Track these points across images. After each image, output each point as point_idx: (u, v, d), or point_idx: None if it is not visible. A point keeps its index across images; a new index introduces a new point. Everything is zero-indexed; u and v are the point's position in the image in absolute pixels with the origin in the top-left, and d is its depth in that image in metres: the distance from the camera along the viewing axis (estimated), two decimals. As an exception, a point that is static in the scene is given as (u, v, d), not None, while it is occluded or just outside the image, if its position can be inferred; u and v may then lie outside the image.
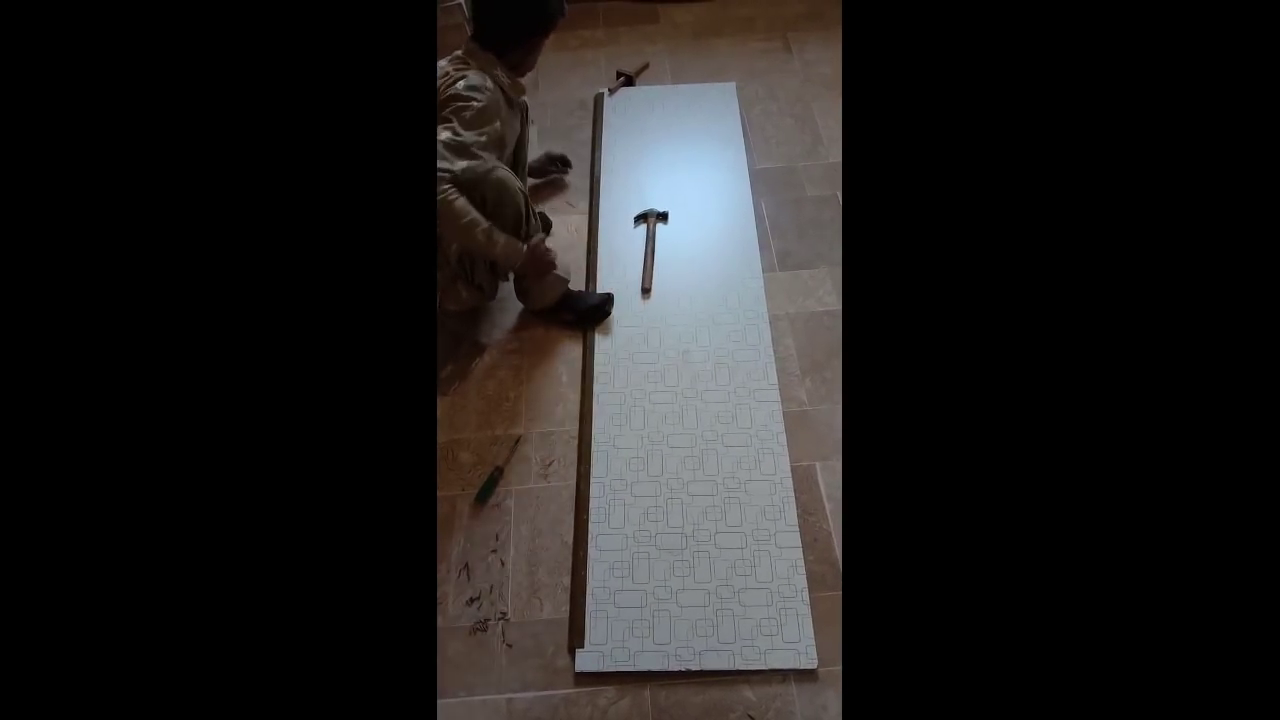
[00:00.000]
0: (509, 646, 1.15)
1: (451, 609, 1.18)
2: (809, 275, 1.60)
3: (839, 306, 1.54)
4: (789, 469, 1.30)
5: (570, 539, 1.25)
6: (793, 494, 1.27)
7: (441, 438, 1.39)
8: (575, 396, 1.44)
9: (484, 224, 1.29)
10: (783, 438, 1.34)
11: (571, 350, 1.50)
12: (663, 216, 1.70)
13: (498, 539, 1.25)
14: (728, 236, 1.67)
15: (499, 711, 1.09)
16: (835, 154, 1.86)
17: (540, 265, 1.42)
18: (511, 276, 1.49)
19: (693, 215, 1.71)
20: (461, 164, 1.25)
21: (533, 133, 1.95)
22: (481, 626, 1.17)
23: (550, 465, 1.35)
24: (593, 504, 1.28)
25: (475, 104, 1.26)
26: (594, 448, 1.35)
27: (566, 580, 1.20)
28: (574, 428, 1.39)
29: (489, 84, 1.31)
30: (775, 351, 1.47)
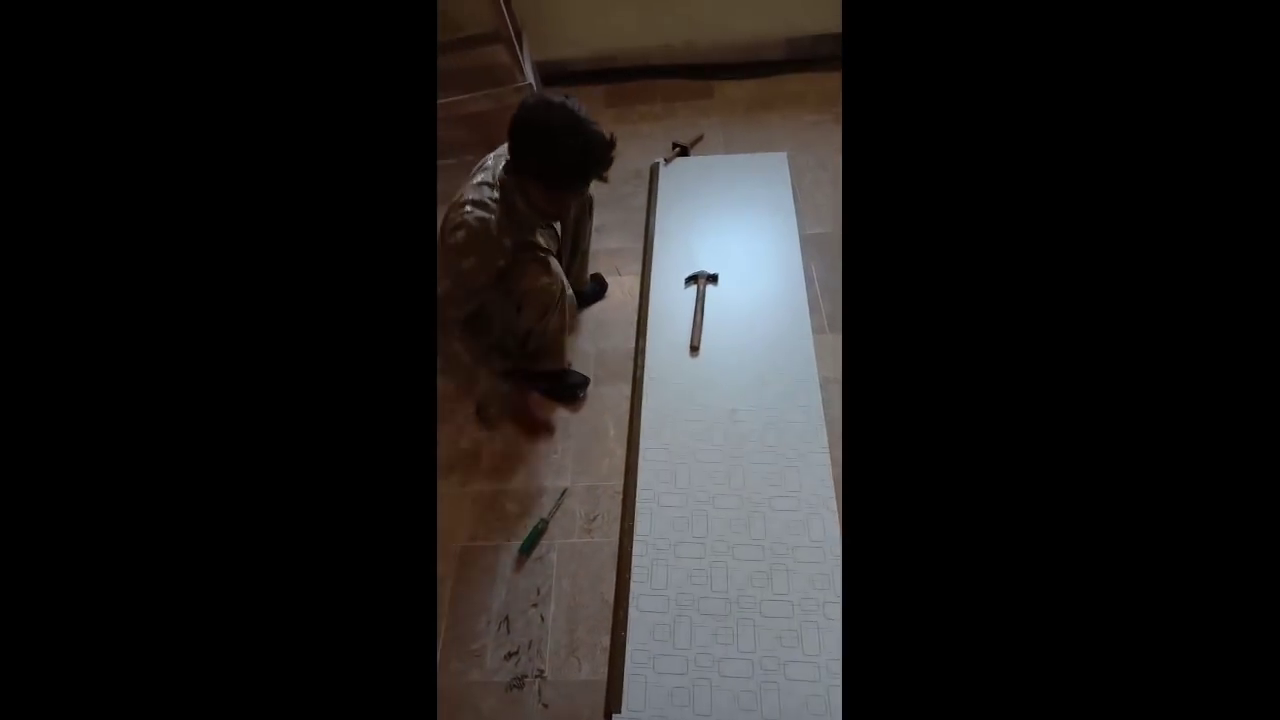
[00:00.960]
0: (545, 707, 1.12)
1: (489, 662, 1.17)
2: (860, 338, 1.59)
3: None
4: (839, 537, 1.26)
5: (611, 597, 1.23)
6: (842, 563, 1.22)
7: (488, 488, 1.41)
8: (621, 451, 1.44)
9: (467, 362, 1.31)
10: (833, 503, 1.30)
11: (619, 405, 1.52)
12: (713, 278, 1.74)
13: (539, 593, 1.24)
14: (777, 298, 1.69)
15: (531, 777, 1.05)
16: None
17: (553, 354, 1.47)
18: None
19: (743, 277, 1.74)
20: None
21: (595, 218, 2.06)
22: (518, 684, 1.14)
23: (594, 520, 1.34)
24: (635, 562, 1.26)
25: (459, 236, 1.17)
26: (639, 505, 1.34)
27: (606, 640, 1.18)
28: (619, 483, 1.39)
29: (488, 199, 1.20)
30: (825, 414, 1.45)
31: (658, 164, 2.12)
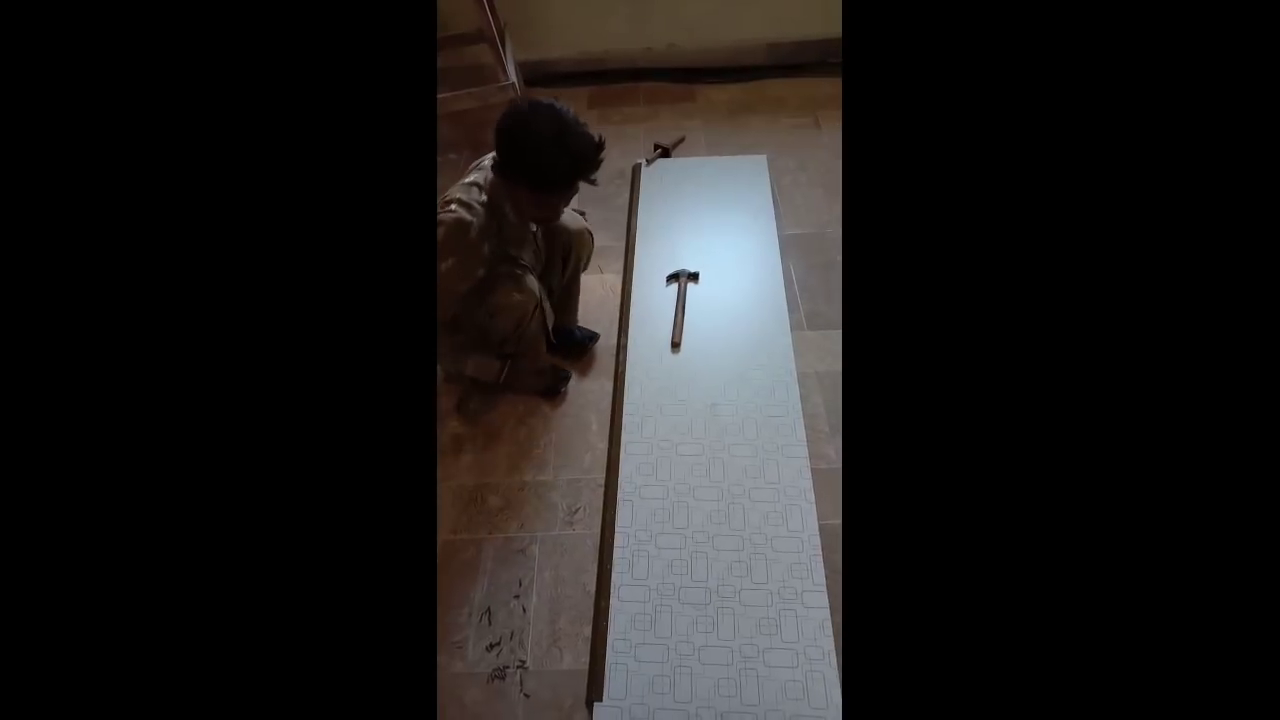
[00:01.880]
0: (526, 696, 1.12)
1: (471, 653, 1.17)
2: (838, 335, 1.63)
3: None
4: (816, 526, 1.28)
5: (593, 588, 1.24)
6: (820, 552, 1.25)
7: (470, 481, 1.41)
8: (603, 445, 1.46)
9: (448, 354, 1.37)
10: (811, 494, 1.33)
11: (602, 400, 1.54)
12: (694, 276, 1.76)
13: (520, 585, 1.25)
14: (757, 296, 1.72)
15: (512, 767, 1.05)
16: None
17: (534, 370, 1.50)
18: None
19: (723, 276, 1.77)
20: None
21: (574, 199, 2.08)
22: (500, 674, 1.15)
23: (576, 513, 1.35)
24: (617, 554, 1.27)
25: (438, 233, 1.17)
26: (620, 497, 1.35)
27: (587, 630, 1.19)
28: (601, 475, 1.40)
29: (475, 202, 1.20)
30: (804, 409, 1.48)
31: (640, 164, 2.15)
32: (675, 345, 1.62)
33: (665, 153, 2.19)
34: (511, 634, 1.19)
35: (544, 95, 1.21)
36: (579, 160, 1.15)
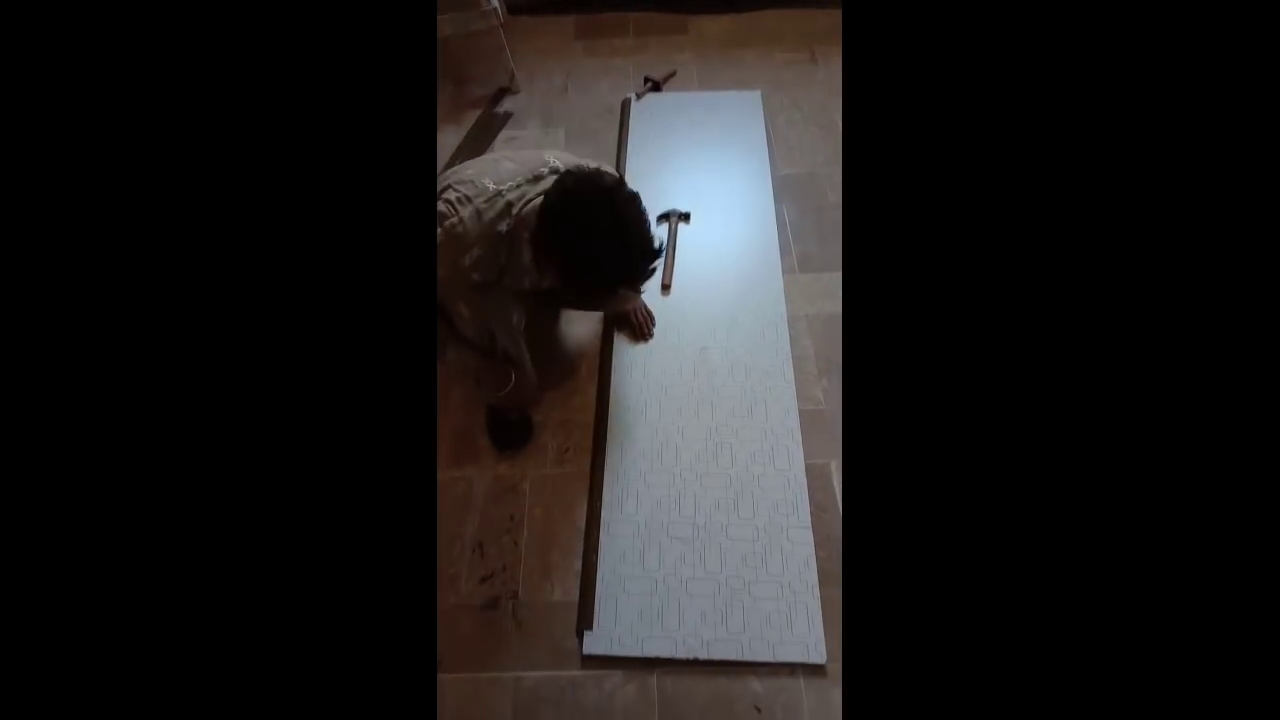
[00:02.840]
0: (519, 625, 1.16)
1: (464, 586, 1.20)
2: (829, 278, 1.62)
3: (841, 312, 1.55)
4: (803, 466, 1.31)
5: (583, 524, 1.26)
6: (806, 490, 1.28)
7: (460, 420, 1.41)
8: (592, 389, 1.46)
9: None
10: (798, 435, 1.35)
11: (591, 343, 1.53)
12: (685, 217, 1.73)
13: (512, 520, 1.27)
14: (749, 238, 1.69)
15: (506, 690, 1.10)
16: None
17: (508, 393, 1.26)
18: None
19: (715, 217, 1.74)
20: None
21: (560, 136, 2.00)
22: (492, 605, 1.18)
23: (566, 452, 1.36)
24: (606, 491, 1.29)
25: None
26: (610, 437, 1.36)
27: (578, 564, 1.21)
28: (590, 417, 1.41)
29: (496, 231, 1.02)
30: (793, 351, 1.48)
31: (630, 99, 2.07)
32: (665, 288, 1.60)
33: (656, 87, 2.11)
34: (504, 567, 1.22)
35: (599, 172, 0.98)
36: (631, 272, 0.96)
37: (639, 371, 1.46)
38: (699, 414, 1.39)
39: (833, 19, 2.32)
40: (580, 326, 1.55)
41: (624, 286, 0.99)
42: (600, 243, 0.92)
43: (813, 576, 1.18)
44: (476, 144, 1.98)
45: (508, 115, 2.08)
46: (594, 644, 1.12)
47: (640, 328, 1.50)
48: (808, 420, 1.37)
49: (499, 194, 1.03)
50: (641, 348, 1.50)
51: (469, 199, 1.02)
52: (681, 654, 1.10)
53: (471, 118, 2.07)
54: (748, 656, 1.10)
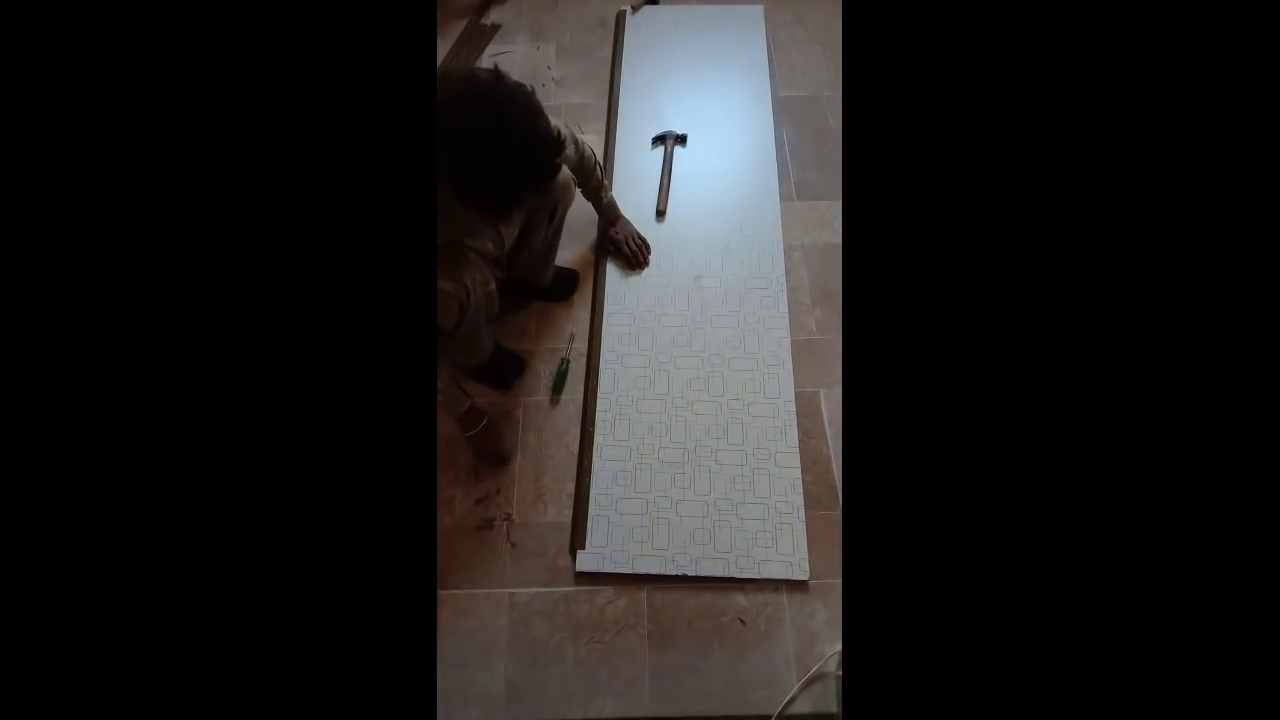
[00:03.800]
0: (513, 545, 1.19)
1: (459, 508, 1.23)
2: (826, 206, 1.58)
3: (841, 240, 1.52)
4: (793, 394, 1.32)
5: (576, 449, 1.28)
6: (795, 417, 1.29)
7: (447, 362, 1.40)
8: (586, 316, 1.44)
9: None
10: (789, 364, 1.35)
11: (584, 270, 1.50)
12: (681, 139, 1.67)
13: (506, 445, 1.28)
14: (746, 163, 1.64)
15: (502, 604, 1.14)
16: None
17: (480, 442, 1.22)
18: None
19: (712, 140, 1.68)
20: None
21: (550, 51, 1.90)
22: (487, 525, 1.21)
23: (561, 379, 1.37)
24: (599, 418, 1.30)
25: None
26: (602, 365, 1.36)
27: (570, 487, 1.24)
28: (583, 345, 1.40)
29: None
30: (788, 281, 1.47)
31: (624, 12, 1.95)
32: (660, 214, 1.56)
33: (652, -1, 1.98)
34: (498, 489, 1.24)
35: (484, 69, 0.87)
36: (524, 177, 0.86)
37: (632, 299, 1.45)
38: (691, 343, 1.39)
39: (842, -75, 2.17)
40: (571, 252, 1.52)
41: (530, 187, 0.89)
42: (479, 142, 0.82)
43: (798, 499, 1.21)
44: (461, 60, 1.87)
45: (495, 27, 1.96)
46: (586, 562, 1.16)
47: (635, 256, 1.47)
48: (799, 349, 1.38)
49: None
50: (635, 277, 1.48)
51: None
52: (671, 571, 1.15)
53: (456, 29, 1.95)
54: (734, 573, 1.15)
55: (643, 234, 1.50)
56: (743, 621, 1.12)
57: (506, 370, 1.34)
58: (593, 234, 1.55)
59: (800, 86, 1.80)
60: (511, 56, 1.90)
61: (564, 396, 1.34)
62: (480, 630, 1.12)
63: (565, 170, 1.21)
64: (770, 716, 1.04)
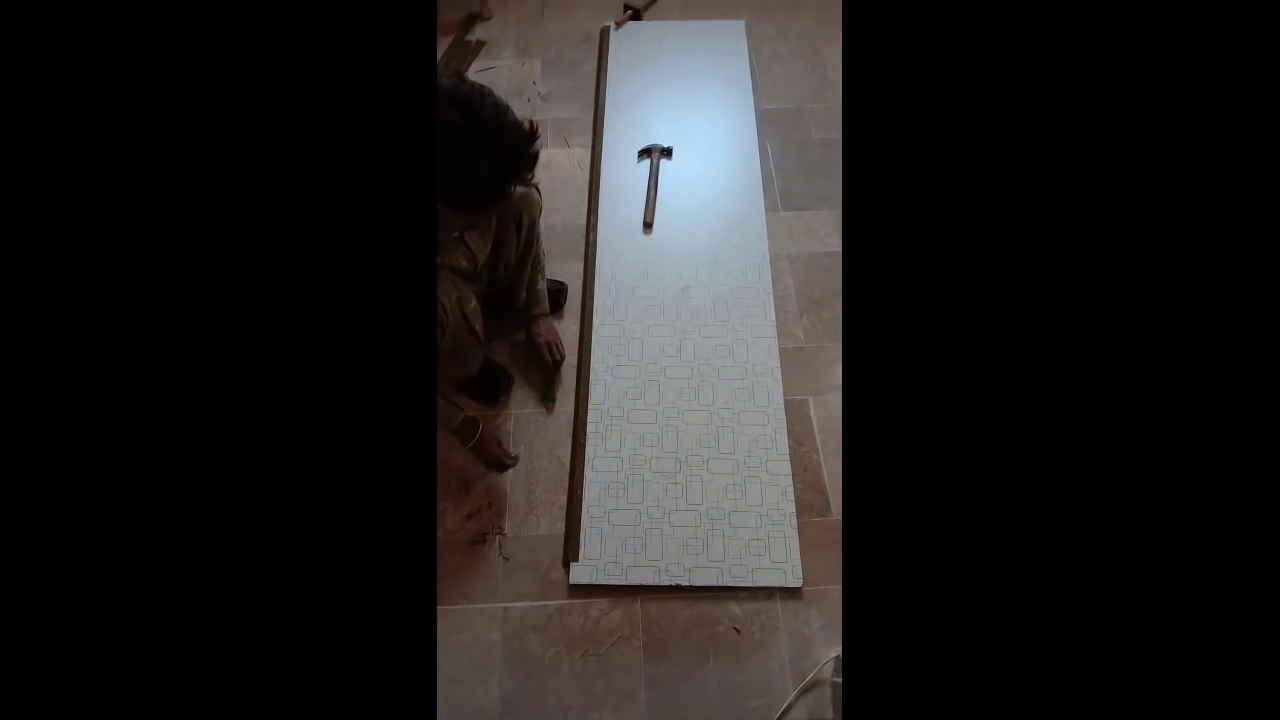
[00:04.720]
0: (505, 559, 1.19)
1: (450, 523, 1.22)
2: (811, 216, 1.60)
3: (839, 248, 1.54)
4: (782, 402, 1.33)
5: (567, 460, 1.28)
6: (785, 425, 1.30)
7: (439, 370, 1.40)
8: (575, 328, 1.45)
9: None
10: (778, 372, 1.37)
11: (572, 283, 1.51)
12: (667, 152, 1.69)
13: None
14: (731, 175, 1.66)
15: (495, 619, 1.13)
16: (842, 97, 1.83)
17: (485, 452, 1.21)
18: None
19: (697, 152, 1.70)
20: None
21: (536, 66, 1.91)
22: (479, 540, 1.20)
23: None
24: (590, 428, 1.30)
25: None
26: (593, 376, 1.37)
27: (563, 499, 1.24)
28: (574, 357, 1.40)
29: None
30: (775, 290, 1.48)
31: (609, 27, 1.98)
32: (647, 226, 1.58)
33: (636, 15, 2.01)
34: (490, 504, 1.24)
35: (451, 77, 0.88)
36: (507, 165, 0.87)
37: (621, 310, 1.46)
38: (681, 352, 1.40)
39: (820, -58, 2.22)
40: (561, 264, 1.53)
41: (511, 180, 0.90)
42: (465, 141, 0.84)
43: (790, 506, 1.22)
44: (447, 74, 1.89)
45: (480, 44, 1.98)
46: (580, 574, 1.16)
47: (553, 363, 1.36)
48: (787, 358, 1.39)
49: None
50: (623, 286, 1.49)
51: None
52: (664, 581, 1.15)
53: (442, 46, 1.96)
54: (728, 582, 1.15)
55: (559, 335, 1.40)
56: (737, 630, 1.12)
57: (495, 384, 1.34)
58: (579, 248, 1.56)
59: (783, 99, 1.83)
60: (497, 72, 1.91)
61: (555, 408, 1.34)
62: (474, 645, 1.11)
63: (527, 188, 1.22)
64: (767, 725, 1.04)
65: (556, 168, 1.68)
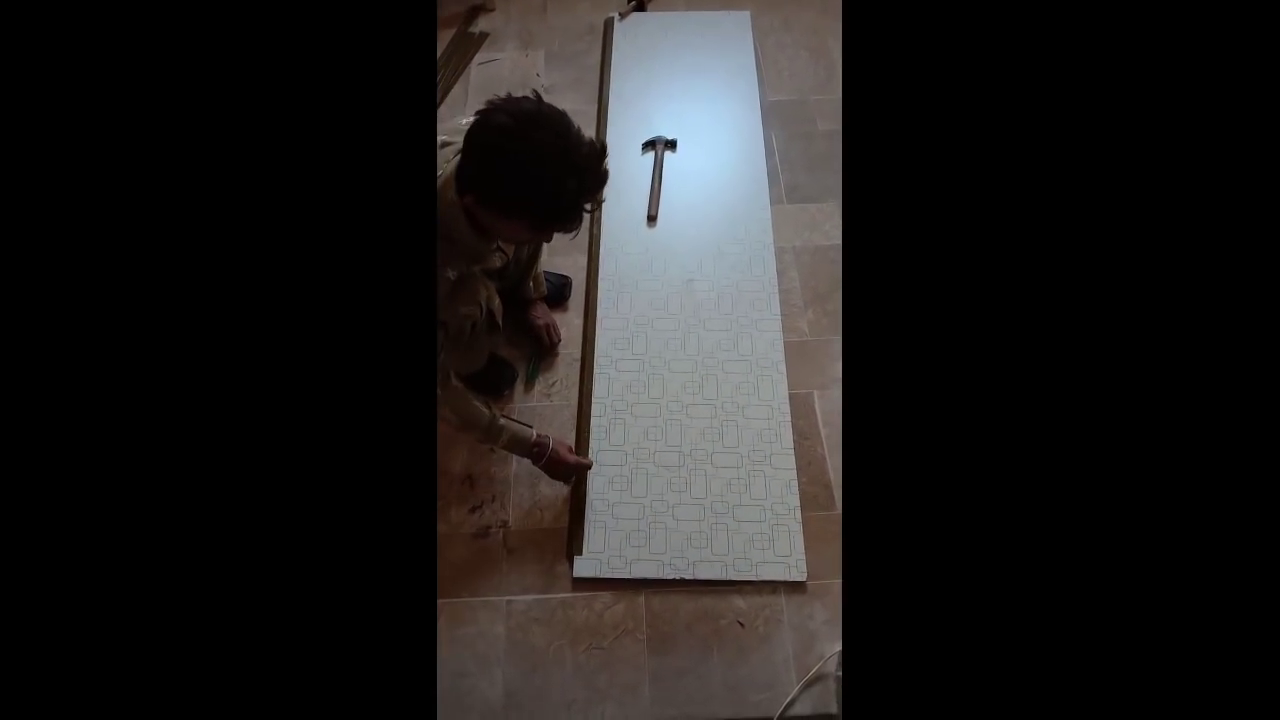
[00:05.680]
0: (510, 553, 1.19)
1: (454, 517, 1.22)
2: (816, 209, 1.59)
3: (841, 240, 1.53)
4: (787, 395, 1.32)
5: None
6: (789, 419, 1.30)
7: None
8: (579, 321, 1.44)
9: (484, 420, 1.11)
10: (782, 366, 1.36)
11: (576, 275, 1.50)
12: (671, 144, 1.68)
13: (498, 452, 1.28)
14: (736, 167, 1.65)
15: (499, 612, 1.13)
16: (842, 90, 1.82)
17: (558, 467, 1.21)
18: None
19: (702, 145, 1.69)
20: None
21: (539, 58, 1.90)
22: (483, 534, 1.20)
23: (553, 385, 1.36)
24: (594, 422, 1.30)
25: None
26: (597, 370, 1.36)
27: (566, 492, 1.24)
28: (577, 350, 1.40)
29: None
30: (780, 283, 1.47)
31: (613, 18, 1.97)
32: (651, 219, 1.57)
33: (640, 6, 2.00)
34: (493, 497, 1.24)
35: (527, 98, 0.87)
36: (590, 183, 0.88)
37: (626, 303, 1.45)
38: (685, 346, 1.39)
39: (826, -68, 2.19)
40: (565, 257, 1.52)
41: (588, 197, 0.90)
42: (556, 162, 0.84)
43: (794, 500, 1.21)
44: (450, 68, 1.88)
45: (484, 36, 1.97)
46: (584, 567, 1.16)
47: (551, 345, 1.39)
48: (792, 351, 1.38)
49: None
50: (627, 278, 1.48)
51: None
52: (668, 575, 1.14)
53: (444, 38, 1.95)
54: (732, 576, 1.14)
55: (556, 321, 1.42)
56: (741, 624, 1.11)
57: (499, 378, 1.34)
58: (583, 241, 1.55)
59: (788, 90, 1.81)
60: (500, 64, 1.90)
61: (558, 402, 1.34)
62: (478, 638, 1.11)
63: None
64: (771, 719, 1.04)
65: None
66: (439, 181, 0.93)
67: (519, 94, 0.88)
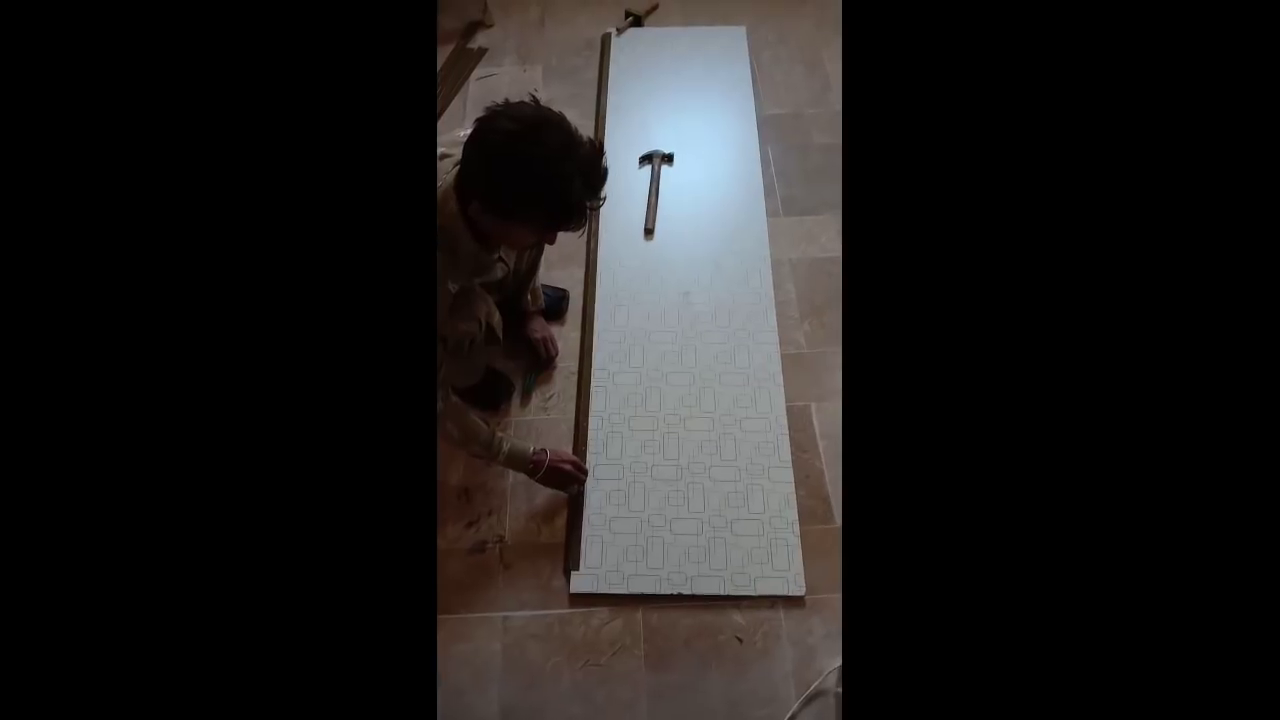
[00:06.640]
0: (506, 568, 1.18)
1: (451, 532, 1.21)
2: (813, 221, 1.60)
3: (841, 253, 1.54)
4: (784, 408, 1.32)
5: (568, 468, 1.27)
6: (787, 432, 1.30)
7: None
8: (576, 335, 1.45)
9: (484, 434, 1.11)
10: (779, 378, 1.36)
11: (574, 289, 1.50)
12: (668, 158, 1.69)
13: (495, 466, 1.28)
14: (733, 180, 1.66)
15: (495, 628, 1.13)
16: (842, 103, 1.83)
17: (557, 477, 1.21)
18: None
19: (698, 158, 1.70)
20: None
21: (537, 73, 1.92)
22: (479, 549, 1.20)
23: (550, 399, 1.36)
24: (591, 436, 1.30)
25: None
26: (594, 383, 1.36)
27: (564, 507, 1.23)
28: (574, 364, 1.40)
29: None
30: (776, 296, 1.47)
31: (610, 34, 1.98)
32: (649, 232, 1.58)
33: (637, 21, 2.02)
34: (490, 512, 1.23)
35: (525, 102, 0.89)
36: (594, 179, 0.89)
37: (622, 317, 1.45)
38: (682, 359, 1.39)
39: (821, -52, 2.22)
40: (562, 270, 1.53)
41: (590, 197, 0.90)
42: (561, 161, 0.85)
43: (793, 514, 1.21)
44: (448, 84, 1.89)
45: (482, 51, 1.98)
46: (581, 583, 1.15)
47: (548, 358, 1.39)
48: (790, 363, 1.38)
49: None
50: (624, 292, 1.48)
51: None
52: (666, 590, 1.14)
53: (443, 54, 1.97)
54: (730, 591, 1.14)
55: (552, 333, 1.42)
56: (740, 639, 1.11)
57: (496, 391, 1.34)
58: (580, 254, 1.55)
59: (784, 104, 1.83)
60: (498, 79, 1.92)
61: (556, 415, 1.34)
62: (474, 655, 1.10)
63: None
64: (770, 736, 1.03)
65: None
66: (439, 194, 0.93)
67: (518, 100, 0.90)
